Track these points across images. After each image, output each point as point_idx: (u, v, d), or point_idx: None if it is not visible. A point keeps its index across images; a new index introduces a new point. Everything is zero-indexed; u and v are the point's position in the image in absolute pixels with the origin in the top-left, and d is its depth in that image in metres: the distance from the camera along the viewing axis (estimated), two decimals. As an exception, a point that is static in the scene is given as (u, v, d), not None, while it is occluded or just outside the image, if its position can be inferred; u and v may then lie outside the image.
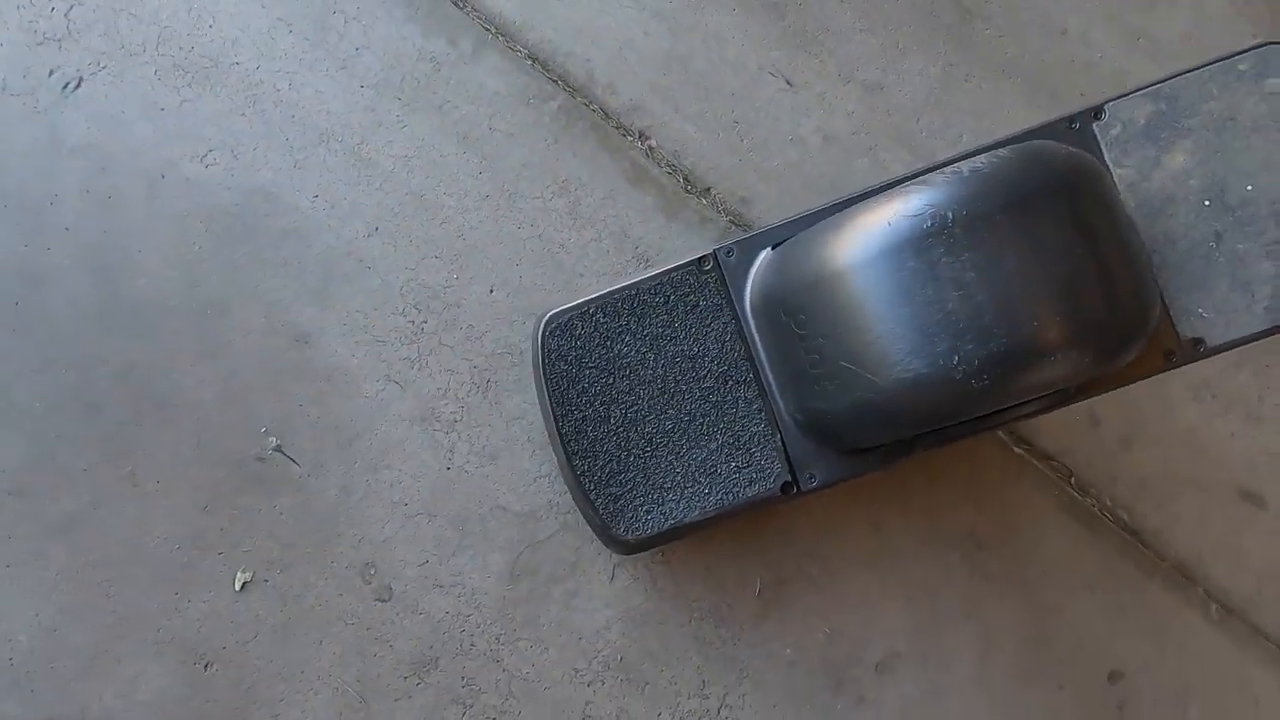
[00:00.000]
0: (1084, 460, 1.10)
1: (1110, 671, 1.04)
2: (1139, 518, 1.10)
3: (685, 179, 1.05)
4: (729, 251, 0.88)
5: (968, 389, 0.69)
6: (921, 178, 0.75)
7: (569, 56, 1.04)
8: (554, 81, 1.03)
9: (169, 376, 0.85)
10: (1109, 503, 1.10)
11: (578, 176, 1.01)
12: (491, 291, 0.95)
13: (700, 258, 0.88)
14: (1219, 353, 0.80)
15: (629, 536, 0.84)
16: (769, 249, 0.88)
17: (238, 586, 0.83)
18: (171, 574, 0.82)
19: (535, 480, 0.92)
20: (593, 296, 0.87)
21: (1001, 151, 0.74)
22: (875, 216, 0.73)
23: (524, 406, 0.93)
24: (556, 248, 0.99)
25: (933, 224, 0.69)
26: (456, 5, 1.02)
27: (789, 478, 0.84)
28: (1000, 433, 1.13)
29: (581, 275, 0.99)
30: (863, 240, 0.73)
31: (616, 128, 1.04)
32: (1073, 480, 1.10)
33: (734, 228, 1.06)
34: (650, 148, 1.05)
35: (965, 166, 0.74)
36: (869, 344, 0.72)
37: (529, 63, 1.03)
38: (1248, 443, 1.12)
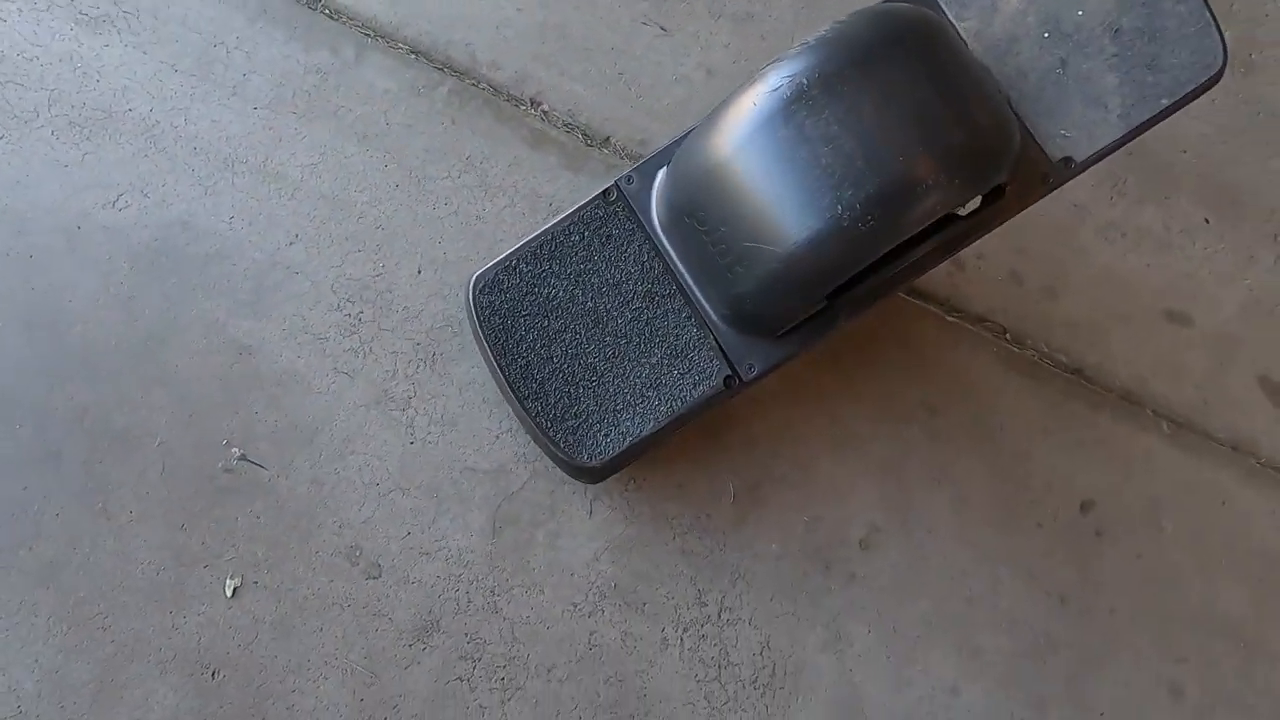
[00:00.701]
0: (1015, 316, 1.16)
1: (1081, 502, 1.09)
2: (1077, 357, 1.16)
3: (583, 134, 1.10)
4: (629, 179, 0.93)
5: (857, 233, 0.74)
6: (775, 57, 0.80)
7: (449, 44, 1.09)
8: (439, 69, 1.08)
9: (123, 410, 0.87)
10: (1046, 349, 1.15)
11: (480, 151, 1.06)
12: (420, 271, 0.99)
13: (604, 190, 0.92)
14: (1089, 165, 0.86)
15: (593, 462, 0.88)
16: (664, 168, 0.93)
17: (229, 593, 0.85)
18: (162, 594, 0.84)
19: (498, 437, 0.95)
20: (513, 249, 0.92)
21: (844, 18, 0.80)
22: (742, 102, 0.78)
23: (473, 372, 0.97)
24: (473, 219, 1.03)
25: (792, 92, 0.75)
26: (331, 17, 1.07)
27: (729, 371, 0.88)
28: (932, 306, 1.18)
29: (502, 240, 1.03)
30: (736, 126, 0.78)
31: (508, 100, 1.09)
32: (1007, 336, 1.16)
33: (639, 170, 1.11)
34: (544, 112, 1.10)
35: (812, 37, 0.79)
36: (763, 217, 0.77)
37: (412, 56, 1.07)
38: (1163, 270, 1.18)
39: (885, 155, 0.73)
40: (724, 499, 1.00)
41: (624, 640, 0.92)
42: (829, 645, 0.97)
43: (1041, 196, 0.86)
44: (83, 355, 0.88)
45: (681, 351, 0.89)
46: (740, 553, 0.98)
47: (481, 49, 1.10)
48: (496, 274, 0.91)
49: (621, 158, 1.10)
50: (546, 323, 0.90)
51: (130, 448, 0.86)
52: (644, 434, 0.88)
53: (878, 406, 1.07)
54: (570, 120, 1.10)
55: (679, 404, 0.88)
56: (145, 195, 0.94)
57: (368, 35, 1.07)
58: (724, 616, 0.96)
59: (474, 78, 1.09)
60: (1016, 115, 0.84)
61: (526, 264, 0.92)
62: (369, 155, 1.02)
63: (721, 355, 0.89)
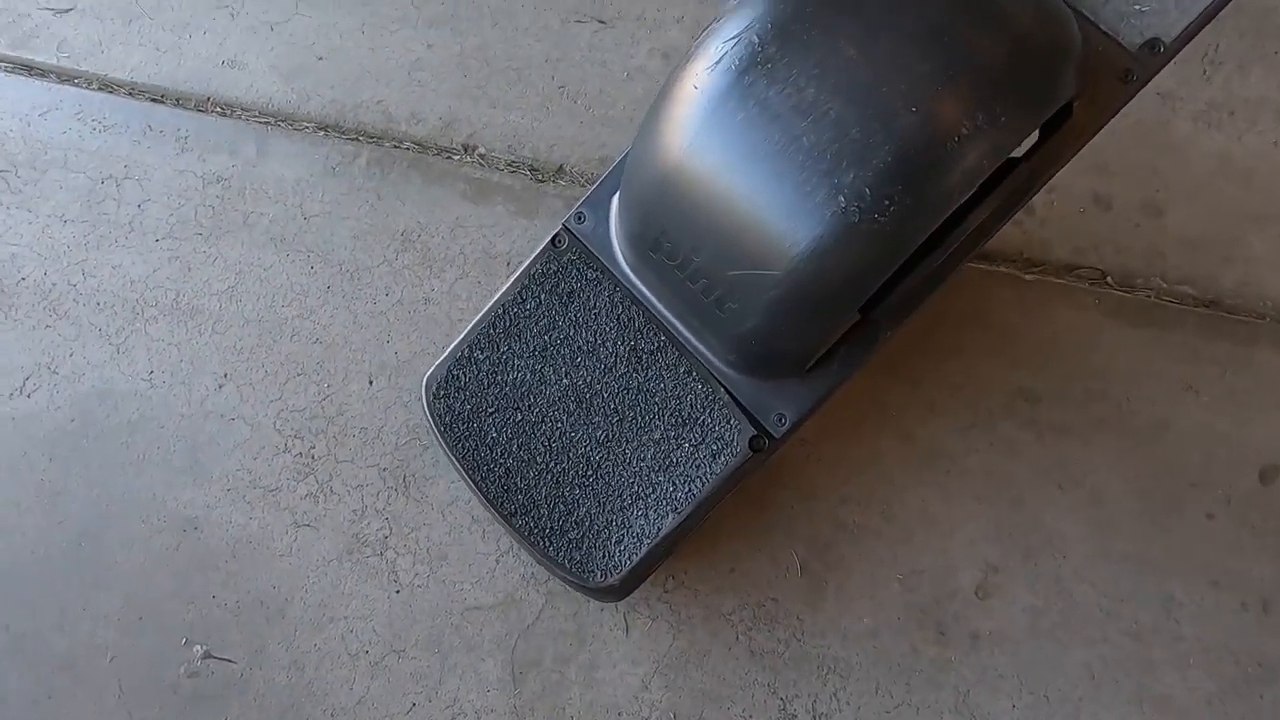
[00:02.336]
0: (1113, 252, 0.91)
1: (1260, 470, 0.83)
2: (1207, 284, 0.90)
3: (530, 170, 0.92)
4: (579, 218, 0.75)
5: (875, 226, 0.53)
6: (710, 20, 0.60)
7: (359, 107, 0.94)
8: (353, 139, 0.93)
9: (64, 630, 0.76)
10: (1163, 284, 0.90)
11: (415, 222, 0.89)
12: (371, 382, 0.84)
13: (552, 238, 0.74)
14: (1184, 44, 0.62)
15: (609, 580, 0.70)
16: (616, 194, 0.74)
17: (223, 820, 0.72)
18: (149, 838, 0.72)
19: (498, 560, 0.79)
20: (460, 337, 0.75)
21: None
22: (680, 87, 0.59)
23: (454, 488, 0.81)
24: (421, 304, 0.87)
25: (741, 58, 0.54)
26: (223, 114, 0.93)
27: (754, 430, 0.69)
28: (1003, 266, 0.94)
29: (459, 319, 0.86)
30: (680, 121, 0.58)
31: (437, 153, 0.92)
32: (1108, 280, 0.91)
33: (604, 194, 0.92)
34: (481, 156, 0.93)
35: None
36: (742, 234, 0.57)
37: (320, 133, 0.93)
38: (1298, 144, 0.91)
39: (888, 110, 0.50)
40: (789, 573, 0.80)
41: (701, 783, 0.74)
42: (964, 735, 0.76)
43: (1125, 102, 0.62)
44: (8, 574, 0.77)
45: (689, 417, 0.70)
46: (824, 639, 0.78)
47: (395, 103, 0.94)
48: (449, 370, 0.74)
49: (582, 185, 0.92)
50: (519, 415, 0.73)
51: (79, 672, 0.75)
52: (664, 532, 0.69)
53: (961, 409, 0.85)
54: (513, 157, 0.92)
55: (700, 484, 0.69)
56: (54, 372, 0.83)
57: (267, 123, 0.93)
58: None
59: (393, 138, 0.93)
60: (1070, 4, 0.60)
61: (480, 350, 0.75)
62: (290, 261, 0.87)
63: (740, 411, 0.69)
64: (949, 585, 0.80)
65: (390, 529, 0.79)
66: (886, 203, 0.51)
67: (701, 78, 0.56)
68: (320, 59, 0.95)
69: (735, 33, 0.54)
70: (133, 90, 0.93)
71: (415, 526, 0.79)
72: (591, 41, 0.97)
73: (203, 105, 0.93)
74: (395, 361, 0.84)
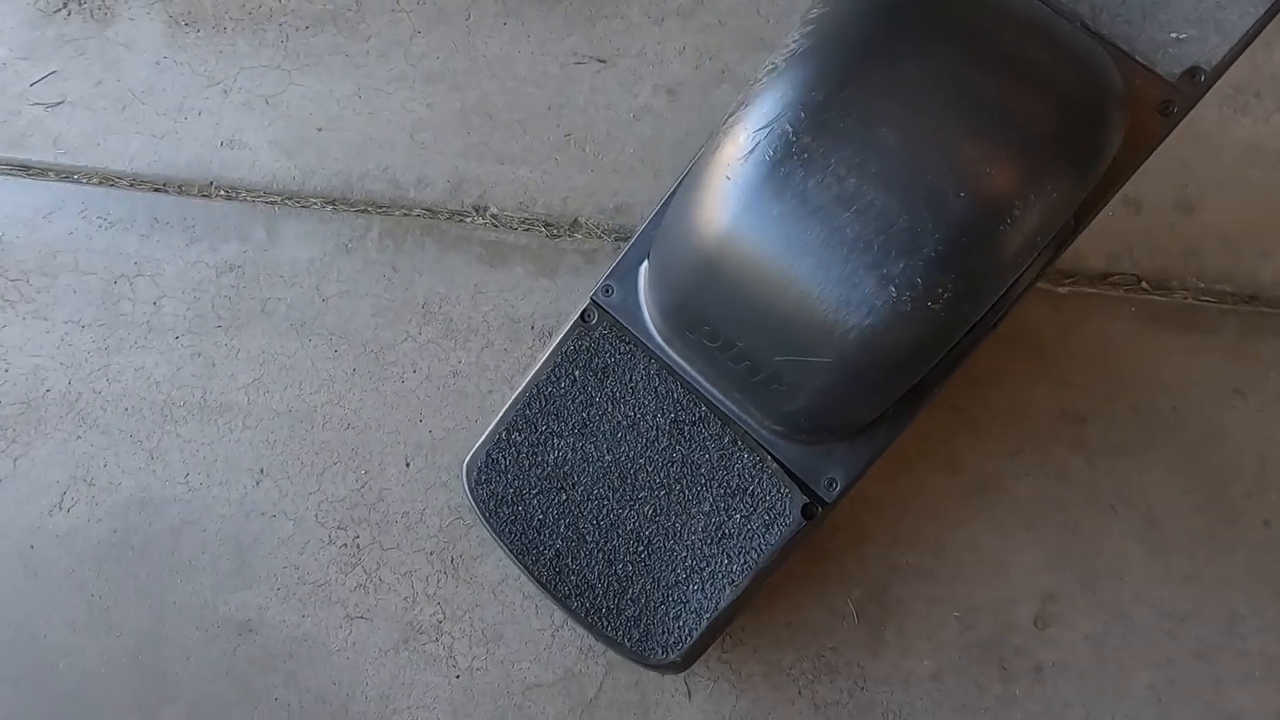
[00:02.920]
0: (1147, 255, 0.89)
1: (1319, 477, 0.81)
2: (1246, 279, 0.88)
3: (545, 226, 0.91)
4: (607, 290, 0.73)
5: (929, 313, 0.51)
6: (739, 98, 0.58)
7: (365, 176, 0.92)
8: (362, 212, 0.91)
9: (138, 742, 0.76)
10: (1199, 284, 0.88)
11: (435, 293, 0.88)
12: (408, 464, 0.83)
13: (582, 313, 0.73)
14: (1225, 69, 0.59)
15: (671, 657, 0.69)
16: (644, 262, 0.72)
17: None
18: None
19: (554, 635, 0.78)
20: (497, 420, 0.74)
21: (814, 9, 0.56)
22: (712, 178, 0.57)
23: (501, 566, 0.80)
24: (450, 378, 0.85)
25: (775, 150, 0.52)
26: (229, 198, 0.91)
27: (805, 498, 0.68)
28: (1037, 282, 0.92)
29: (490, 391, 0.85)
30: (714, 212, 0.56)
31: (449, 218, 0.91)
32: (1143, 284, 0.88)
33: (622, 244, 0.91)
34: (494, 216, 0.91)
35: (777, 56, 0.56)
36: (789, 325, 0.56)
37: (329, 209, 0.91)
38: (1332, 125, 0.88)
39: (935, 195, 0.48)
40: (846, 621, 0.79)
41: (779, 842, 0.74)
42: (1036, 770, 0.76)
43: (1167, 134, 0.60)
44: (76, 694, 0.77)
45: (738, 487, 0.69)
46: (887, 685, 0.78)
47: (401, 168, 0.92)
48: (489, 454, 0.73)
49: (599, 236, 0.90)
50: (564, 495, 0.72)
51: (157, 784, 0.75)
52: (722, 606, 0.69)
53: (1006, 434, 0.84)
54: (526, 214, 0.91)
55: (755, 555, 0.69)
56: (90, 484, 0.82)
57: (273, 203, 0.91)
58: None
59: (403, 206, 0.91)
60: (1100, 39, 0.58)
61: (518, 432, 0.74)
62: (313, 346, 0.86)
63: (790, 479, 0.68)
64: (1008, 618, 0.79)
65: (443, 613, 0.79)
66: (939, 290, 0.49)
67: (734, 168, 0.54)
68: (320, 130, 0.93)
69: (766, 122, 0.52)
70: (134, 181, 0.91)
71: (468, 608, 0.79)
72: (593, 83, 0.95)
73: (206, 191, 0.92)
74: (430, 441, 0.83)
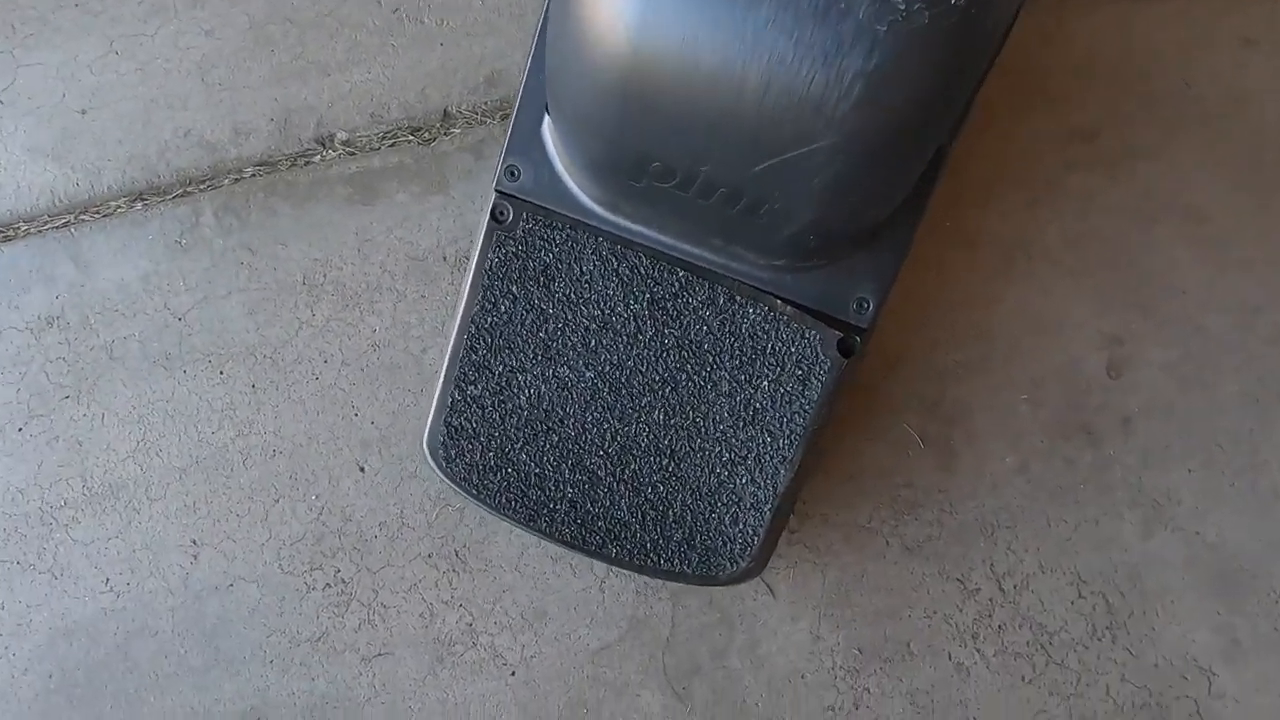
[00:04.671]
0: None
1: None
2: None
3: (412, 132, 0.72)
4: (511, 173, 0.57)
5: (957, 19, 0.36)
6: None
7: (165, 150, 0.72)
8: (182, 196, 0.71)
9: None
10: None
11: (311, 260, 0.71)
12: (363, 470, 0.68)
13: (493, 212, 0.57)
14: None
15: (745, 564, 0.59)
16: (545, 122, 0.56)
17: None
18: None
19: (602, 587, 0.67)
20: (442, 380, 0.59)
21: None
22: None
23: (514, 538, 0.67)
24: (370, 353, 0.70)
25: None
26: (8, 237, 0.71)
27: (837, 333, 0.55)
28: None
29: (424, 350, 0.70)
30: (613, 7, 0.40)
31: (292, 165, 0.72)
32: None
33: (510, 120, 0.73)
34: (345, 144, 0.73)
35: None
36: (761, 121, 0.40)
37: (138, 207, 0.71)
38: None
39: None
40: (910, 450, 0.69)
41: (914, 702, 0.67)
42: (1150, 523, 0.69)
43: None
44: None
45: (755, 350, 0.56)
46: (974, 499, 0.69)
47: (207, 125, 0.72)
48: (448, 423, 0.59)
49: (481, 120, 0.73)
50: (555, 436, 0.59)
51: None
52: (781, 489, 0.57)
53: (1015, 184, 0.72)
54: (384, 127, 0.72)
55: (800, 420, 0.57)
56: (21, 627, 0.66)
57: (66, 225, 0.70)
58: (1008, 586, 0.68)
59: (229, 171, 0.72)
60: None
61: (472, 384, 0.59)
62: (192, 377, 0.69)
63: (812, 317, 0.55)
64: (1078, 380, 0.70)
65: (470, 614, 0.66)
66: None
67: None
68: (83, 113, 0.72)
69: None
70: (-123, 261, 0.70)
71: (495, 598, 0.67)
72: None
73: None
74: (377, 433, 0.68)
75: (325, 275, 0.71)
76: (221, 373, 0.69)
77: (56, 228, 0.71)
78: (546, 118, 0.55)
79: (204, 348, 0.69)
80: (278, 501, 0.67)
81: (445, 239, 0.71)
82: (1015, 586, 0.68)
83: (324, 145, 0.73)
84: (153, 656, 0.66)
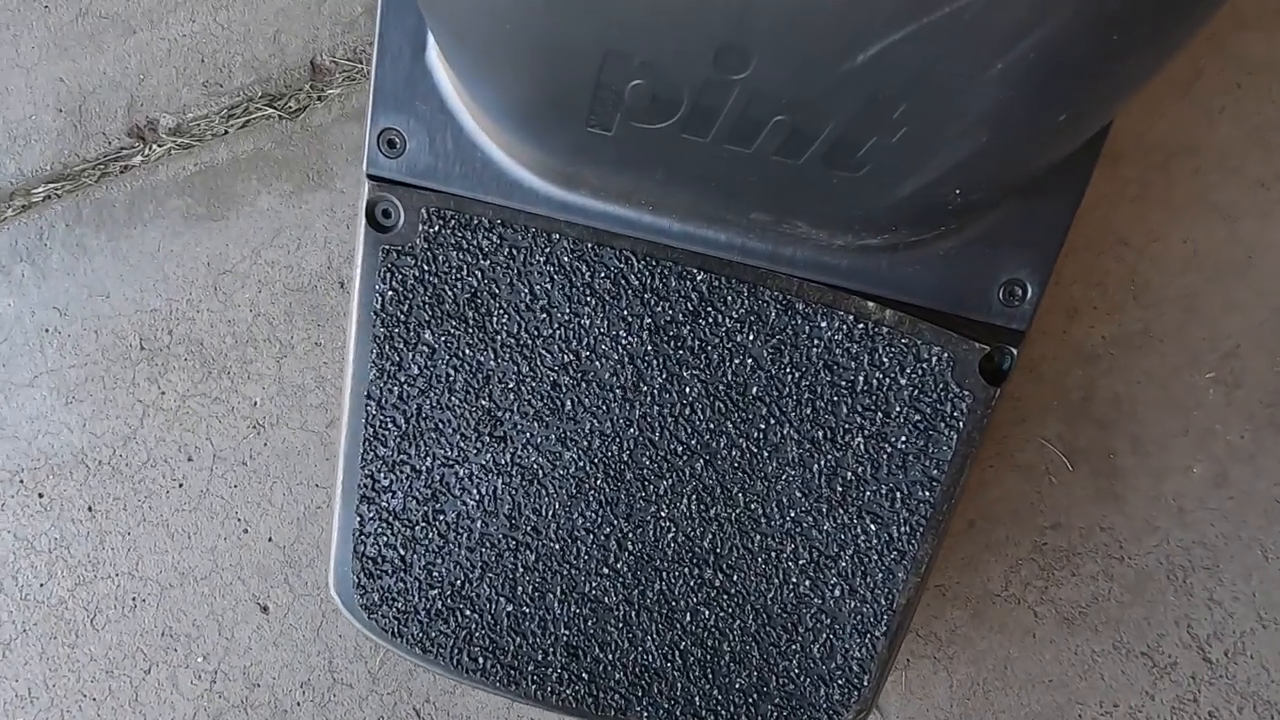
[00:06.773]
0: None
1: None
2: None
3: (270, 102, 0.49)
4: (390, 145, 0.34)
5: None
6: None
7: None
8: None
9: None
10: None
11: (145, 312, 0.48)
12: (266, 610, 0.47)
13: (369, 218, 0.34)
14: None
15: (849, 715, 0.38)
16: (428, 42, 0.33)
17: None
18: None
19: None
20: (340, 492, 0.37)
21: None
22: None
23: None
24: (252, 439, 0.48)
25: None
26: None
27: (982, 346, 0.33)
28: None
29: (330, 422, 0.47)
30: None
31: (101, 176, 0.49)
32: None
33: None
34: (175, 132, 0.49)
35: None
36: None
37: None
38: None
39: None
40: (1053, 476, 0.48)
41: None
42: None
43: None
44: None
45: (841, 389, 0.35)
46: (1151, 533, 0.47)
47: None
48: (358, 559, 0.37)
49: (361, 73, 0.49)
50: (527, 555, 0.37)
51: None
52: (901, 599, 0.36)
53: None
54: (226, 101, 0.49)
55: (919, 495, 0.35)
56: None
57: None
58: (1216, 654, 0.47)
59: (6, 195, 0.49)
60: None
61: (388, 494, 0.37)
62: (4, 516, 0.47)
63: (933, 325, 0.33)
64: (1276, 340, 0.48)
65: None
66: None
67: None
68: None
69: None
70: None
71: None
72: None
73: None
74: (280, 555, 0.47)
75: (171, 332, 0.48)
76: (41, 496, 0.47)
77: None
78: (430, 39, 0.32)
79: (9, 464, 0.47)
80: (149, 672, 0.46)
81: (337, 254, 0.48)
82: (1227, 653, 0.47)
83: (142, 138, 0.50)
84: None
